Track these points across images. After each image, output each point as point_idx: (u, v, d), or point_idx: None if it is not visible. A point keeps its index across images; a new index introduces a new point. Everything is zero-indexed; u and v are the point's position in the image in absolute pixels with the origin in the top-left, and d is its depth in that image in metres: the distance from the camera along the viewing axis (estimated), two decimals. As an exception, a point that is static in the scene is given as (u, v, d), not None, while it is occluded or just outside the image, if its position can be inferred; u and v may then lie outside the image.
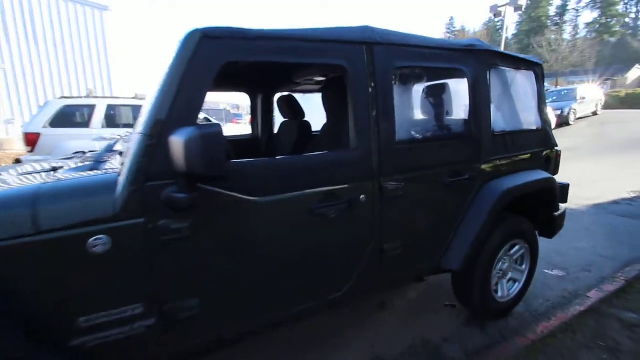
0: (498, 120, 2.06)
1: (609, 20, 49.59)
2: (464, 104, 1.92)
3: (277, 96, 2.88)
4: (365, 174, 1.57)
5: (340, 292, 1.60)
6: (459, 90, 1.93)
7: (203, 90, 1.21)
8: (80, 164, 1.54)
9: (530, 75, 2.32)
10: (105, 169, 1.36)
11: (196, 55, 1.20)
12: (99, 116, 6.21)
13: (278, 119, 2.98)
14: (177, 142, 1.06)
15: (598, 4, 50.66)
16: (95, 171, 1.33)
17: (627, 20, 53.03)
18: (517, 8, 17.31)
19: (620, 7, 51.07)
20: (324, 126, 2.28)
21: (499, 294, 2.24)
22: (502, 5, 17.01)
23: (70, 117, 6.20)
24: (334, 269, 1.58)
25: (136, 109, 6.31)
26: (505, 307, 2.27)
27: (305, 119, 2.73)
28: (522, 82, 2.27)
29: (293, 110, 2.68)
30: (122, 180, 1.15)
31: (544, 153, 2.41)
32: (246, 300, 1.38)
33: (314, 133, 2.77)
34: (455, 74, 1.87)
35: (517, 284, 2.33)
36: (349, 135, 1.59)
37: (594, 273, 2.93)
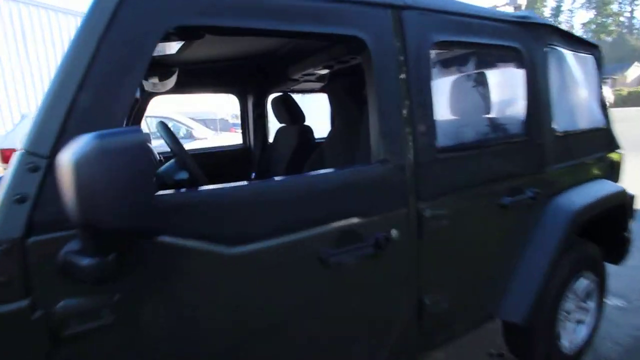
0: (559, 117, 1.57)
1: (604, 19, 49.49)
2: (518, 95, 1.43)
3: (271, 97, 2.40)
4: (397, 199, 1.08)
5: None
6: (509, 76, 1.44)
7: (134, 73, 0.72)
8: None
9: (590, 60, 1.83)
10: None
11: (121, 12, 0.71)
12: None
13: (274, 125, 2.51)
14: (64, 164, 0.56)
15: (593, 4, 50.61)
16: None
17: (621, 19, 53.02)
18: (517, 7, 17.09)
19: (614, 6, 51.05)
20: (332, 133, 1.78)
21: (564, 341, 1.72)
22: (502, 6, 16.76)
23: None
24: (354, 345, 1.07)
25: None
26: (573, 358, 1.75)
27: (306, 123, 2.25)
28: (582, 69, 1.78)
29: (291, 113, 2.20)
30: None
31: (609, 157, 1.91)
32: None
33: (317, 141, 2.29)
34: (508, 54, 1.38)
35: (584, 326, 1.81)
36: (368, 142, 1.10)
37: (661, 301, 2.41)
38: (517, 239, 1.44)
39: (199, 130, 6.46)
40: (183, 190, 0.81)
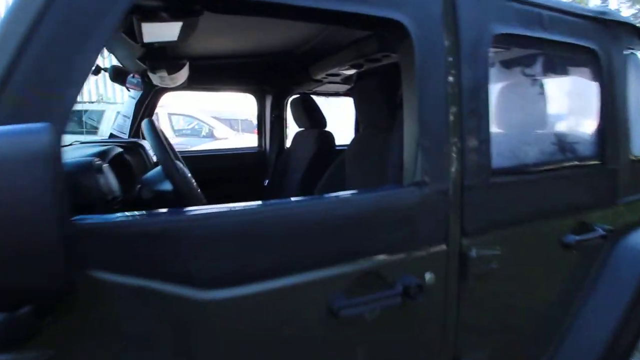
0: (636, 137, 1.27)
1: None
2: (590, 107, 1.16)
3: (290, 99, 2.21)
4: (435, 233, 0.84)
5: None
6: (580, 84, 1.18)
7: (85, 53, 0.53)
8: None
9: None
10: None
11: None
12: (108, 123, 5.76)
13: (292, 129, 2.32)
14: None
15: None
16: None
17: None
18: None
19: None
20: (355, 141, 1.56)
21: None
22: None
23: (75, 123, 5.78)
24: None
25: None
26: None
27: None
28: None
29: (310, 116, 2.00)
30: None
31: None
32: None
33: (338, 148, 2.08)
34: (581, 56, 1.12)
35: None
36: (401, 158, 0.87)
37: None
38: (581, 286, 1.16)
39: (220, 129, 6.40)
40: (140, 213, 0.60)
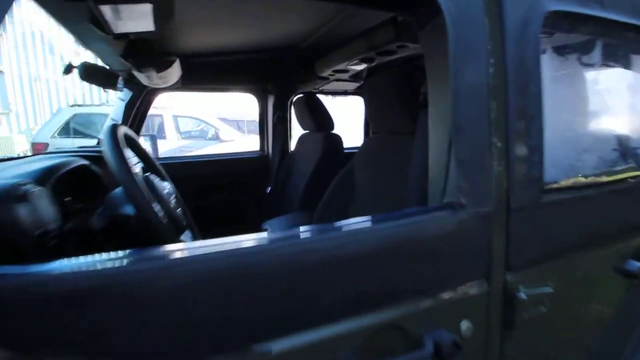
0: None
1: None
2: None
3: (294, 98, 2.04)
4: (472, 268, 0.65)
5: None
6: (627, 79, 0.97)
7: None
8: None
9: None
10: None
11: None
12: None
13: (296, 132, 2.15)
14: None
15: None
16: None
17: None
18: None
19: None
20: (366, 146, 1.38)
21: None
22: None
23: (81, 126, 5.70)
24: None
25: (156, 118, 5.68)
26: None
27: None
28: None
29: (315, 117, 1.83)
30: None
31: None
32: None
33: (347, 151, 1.90)
34: None
35: None
36: (424, 172, 0.69)
37: None
38: (634, 323, 0.96)
39: (225, 131, 6.27)
40: (65, 262, 0.43)
